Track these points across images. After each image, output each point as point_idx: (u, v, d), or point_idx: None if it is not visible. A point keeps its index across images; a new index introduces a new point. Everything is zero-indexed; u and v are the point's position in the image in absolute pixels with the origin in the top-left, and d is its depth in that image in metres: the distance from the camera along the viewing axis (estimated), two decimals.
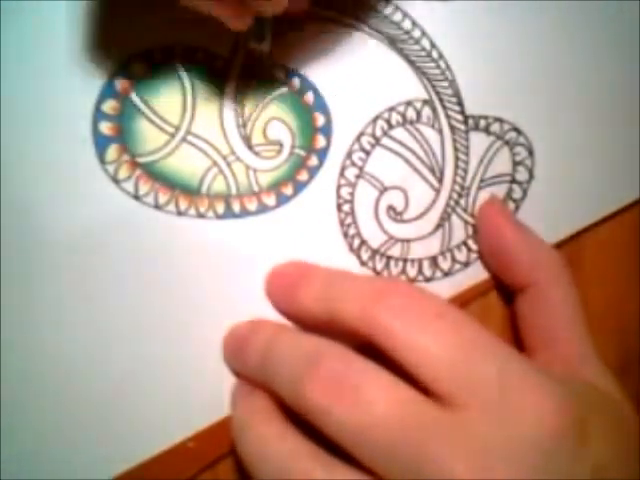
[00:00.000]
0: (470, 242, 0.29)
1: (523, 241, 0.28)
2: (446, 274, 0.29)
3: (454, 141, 0.28)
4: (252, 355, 0.25)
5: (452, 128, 0.28)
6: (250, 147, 0.27)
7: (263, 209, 0.27)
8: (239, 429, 0.24)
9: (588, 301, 0.30)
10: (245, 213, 0.27)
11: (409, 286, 0.24)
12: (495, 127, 0.29)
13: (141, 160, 0.26)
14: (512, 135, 0.29)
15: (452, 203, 0.29)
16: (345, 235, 0.28)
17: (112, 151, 0.26)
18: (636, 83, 0.29)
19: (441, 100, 0.28)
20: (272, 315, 0.27)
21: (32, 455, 0.26)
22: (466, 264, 0.29)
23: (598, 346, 0.29)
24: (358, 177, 0.28)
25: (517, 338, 0.30)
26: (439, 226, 0.29)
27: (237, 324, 0.27)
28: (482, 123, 0.29)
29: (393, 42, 0.28)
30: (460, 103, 0.28)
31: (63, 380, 0.26)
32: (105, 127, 0.26)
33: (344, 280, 0.24)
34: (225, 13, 0.22)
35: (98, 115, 0.26)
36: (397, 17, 0.28)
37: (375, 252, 0.28)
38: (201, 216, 0.27)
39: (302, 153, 0.28)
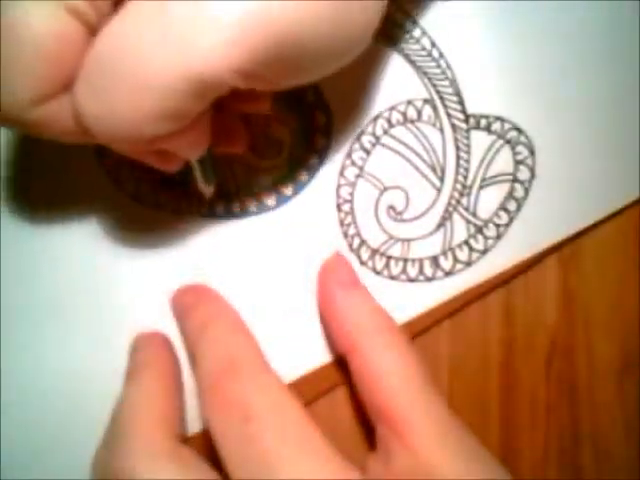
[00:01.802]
0: (472, 241, 0.29)
1: (349, 303, 0.26)
2: (447, 274, 0.29)
3: (455, 140, 0.28)
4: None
5: (453, 127, 0.28)
6: (250, 147, 0.27)
7: (263, 209, 0.27)
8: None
9: (588, 302, 0.30)
10: (245, 213, 0.27)
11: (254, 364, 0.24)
12: (496, 126, 0.28)
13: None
14: (513, 134, 0.28)
15: (453, 202, 0.28)
16: (345, 235, 0.28)
17: (112, 150, 0.26)
18: (637, 82, 0.29)
19: (442, 99, 0.28)
20: (271, 316, 0.27)
21: (34, 455, 0.26)
22: (468, 264, 0.29)
23: (599, 347, 0.29)
24: (358, 177, 0.28)
25: (514, 339, 0.30)
26: (440, 225, 0.28)
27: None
28: (483, 122, 0.28)
29: (393, 41, 0.28)
30: (461, 102, 0.28)
31: (64, 380, 0.26)
32: None
33: (214, 331, 0.25)
34: (152, 162, 0.23)
35: None
36: (398, 16, 0.27)
37: (375, 252, 0.28)
38: (201, 216, 0.27)
39: (302, 153, 0.28)
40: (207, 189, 0.26)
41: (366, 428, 0.28)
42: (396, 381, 0.24)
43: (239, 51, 0.18)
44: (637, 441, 0.30)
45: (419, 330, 0.29)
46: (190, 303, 0.26)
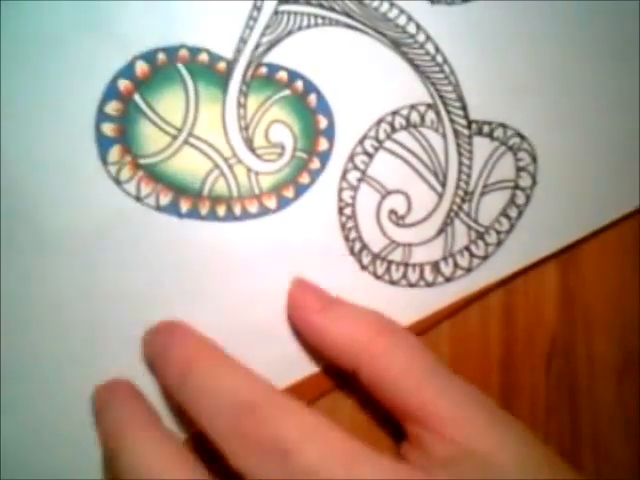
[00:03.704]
0: (473, 247, 0.29)
1: (333, 323, 0.25)
2: (448, 279, 0.29)
3: (458, 145, 0.28)
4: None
5: (456, 132, 0.28)
6: (252, 149, 0.27)
7: (264, 212, 0.27)
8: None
9: (588, 302, 0.30)
10: (246, 216, 0.27)
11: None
12: (499, 132, 0.28)
13: (143, 162, 0.26)
14: (516, 141, 0.28)
15: (455, 208, 0.28)
16: (346, 238, 0.28)
17: (114, 152, 0.26)
18: None
19: (445, 104, 0.28)
20: (268, 318, 0.27)
21: (35, 455, 0.26)
22: (468, 270, 0.29)
23: (599, 347, 0.29)
24: (360, 180, 0.28)
25: (514, 339, 0.30)
26: (441, 231, 0.28)
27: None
28: (486, 128, 0.28)
29: (397, 45, 0.27)
30: (464, 107, 0.28)
31: (64, 380, 0.26)
32: (108, 128, 0.26)
33: (201, 372, 0.23)
34: None
35: (101, 116, 0.26)
36: (401, 21, 0.27)
37: (376, 256, 0.28)
38: (202, 218, 0.27)
39: (304, 156, 0.28)
40: None
41: (364, 430, 0.28)
42: (411, 379, 0.24)
43: None
44: (637, 441, 0.30)
45: (419, 330, 0.29)
46: (163, 344, 0.25)
